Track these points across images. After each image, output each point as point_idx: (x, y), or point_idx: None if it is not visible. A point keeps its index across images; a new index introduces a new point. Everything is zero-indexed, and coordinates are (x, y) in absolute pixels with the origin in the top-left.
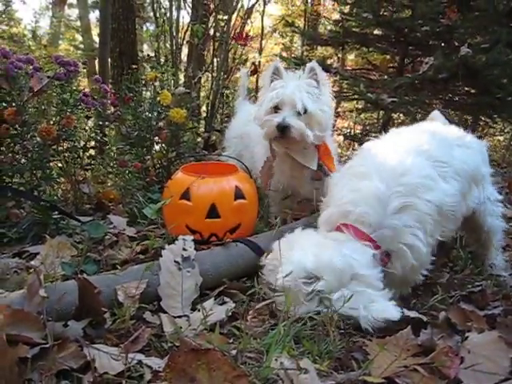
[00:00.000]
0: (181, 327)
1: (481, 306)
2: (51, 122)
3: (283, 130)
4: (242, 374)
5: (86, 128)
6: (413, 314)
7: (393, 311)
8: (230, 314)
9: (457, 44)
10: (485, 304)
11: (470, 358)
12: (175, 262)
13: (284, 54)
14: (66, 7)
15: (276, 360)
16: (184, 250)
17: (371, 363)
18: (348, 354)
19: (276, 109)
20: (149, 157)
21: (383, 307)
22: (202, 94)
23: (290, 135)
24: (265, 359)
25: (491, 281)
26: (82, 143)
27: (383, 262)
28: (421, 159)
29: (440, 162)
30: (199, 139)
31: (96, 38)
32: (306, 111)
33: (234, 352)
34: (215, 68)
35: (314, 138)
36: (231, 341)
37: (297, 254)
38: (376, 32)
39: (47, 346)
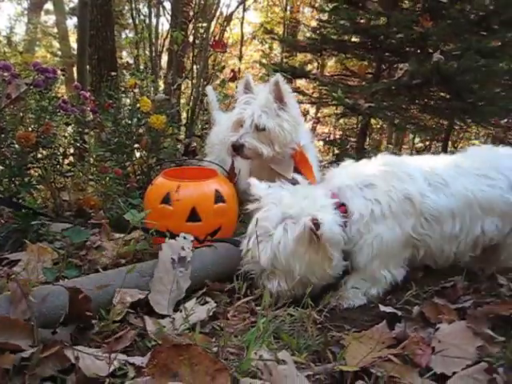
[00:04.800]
0: (164, 326)
1: (452, 299)
2: (30, 129)
3: (238, 148)
4: (223, 367)
5: (66, 135)
6: (388, 309)
7: (326, 220)
8: (212, 313)
9: (430, 51)
10: (456, 298)
11: (440, 346)
12: (172, 259)
13: (263, 61)
14: (42, 13)
15: (255, 353)
16: (182, 249)
17: (346, 354)
18: (325, 347)
19: (241, 125)
20: (129, 163)
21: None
22: (183, 100)
23: (244, 154)
24: (245, 355)
25: (462, 276)
26: (62, 150)
27: (339, 209)
28: (415, 163)
29: (437, 176)
30: (180, 145)
31: (74, 45)
32: (264, 128)
33: (215, 349)
34: (195, 75)
35: (275, 154)
36: (213, 339)
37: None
38: (353, 39)
39: (33, 351)
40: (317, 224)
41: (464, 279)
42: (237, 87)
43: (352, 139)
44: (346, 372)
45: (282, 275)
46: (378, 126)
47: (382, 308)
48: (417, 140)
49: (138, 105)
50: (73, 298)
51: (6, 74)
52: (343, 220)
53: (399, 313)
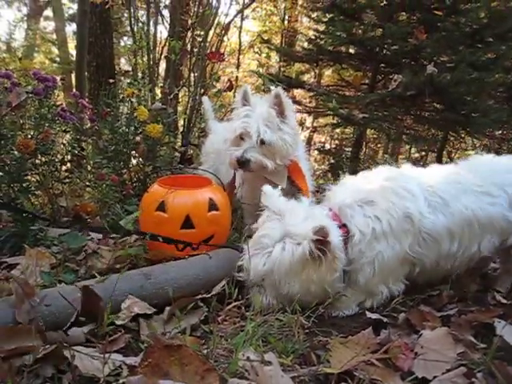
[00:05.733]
0: (157, 330)
1: (438, 307)
2: (29, 136)
3: (243, 163)
4: (212, 368)
5: (64, 142)
6: (374, 315)
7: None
8: (203, 318)
9: (424, 62)
10: (442, 306)
11: (422, 351)
12: None
13: (260, 70)
14: (41, 19)
15: (243, 355)
16: None
17: (332, 358)
18: (312, 351)
19: (241, 138)
20: (126, 170)
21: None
22: (180, 108)
23: (249, 168)
24: (234, 357)
25: (448, 285)
26: (60, 157)
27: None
28: (415, 180)
29: (436, 195)
30: (176, 153)
31: (72, 51)
32: (269, 143)
33: (206, 352)
34: (192, 83)
35: (276, 166)
36: (203, 342)
37: None
38: (349, 50)
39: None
40: (325, 232)
41: (450, 288)
42: (234, 96)
43: (348, 149)
44: (331, 375)
45: (271, 291)
46: (375, 136)
47: (369, 315)
48: (413, 150)
49: (135, 114)
50: (85, 297)
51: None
52: (343, 241)
53: (385, 319)
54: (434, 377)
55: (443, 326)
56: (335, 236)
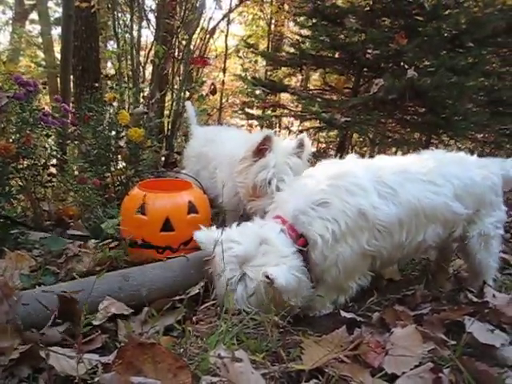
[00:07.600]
0: (133, 330)
1: (412, 307)
2: (10, 140)
3: None
4: (184, 365)
5: (46, 146)
6: (349, 315)
7: (280, 274)
8: (181, 318)
9: (406, 67)
10: (416, 305)
11: (393, 348)
12: None
13: (244, 75)
14: (27, 23)
15: (214, 352)
16: None
17: (304, 355)
18: (284, 349)
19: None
20: (108, 174)
21: (277, 268)
22: (166, 112)
23: None
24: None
25: (422, 284)
26: (42, 161)
27: (298, 242)
28: (364, 173)
29: (385, 185)
30: (162, 158)
31: (58, 55)
32: None
33: (181, 351)
34: (176, 87)
35: None
36: (179, 341)
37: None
38: (334, 54)
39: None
40: (271, 280)
41: (424, 288)
42: (221, 100)
43: (332, 152)
44: (302, 371)
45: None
46: (361, 140)
47: (343, 314)
48: (399, 154)
49: (117, 118)
50: (62, 299)
51: None
52: (302, 252)
53: (359, 319)
54: (403, 372)
55: (416, 325)
56: (283, 276)
